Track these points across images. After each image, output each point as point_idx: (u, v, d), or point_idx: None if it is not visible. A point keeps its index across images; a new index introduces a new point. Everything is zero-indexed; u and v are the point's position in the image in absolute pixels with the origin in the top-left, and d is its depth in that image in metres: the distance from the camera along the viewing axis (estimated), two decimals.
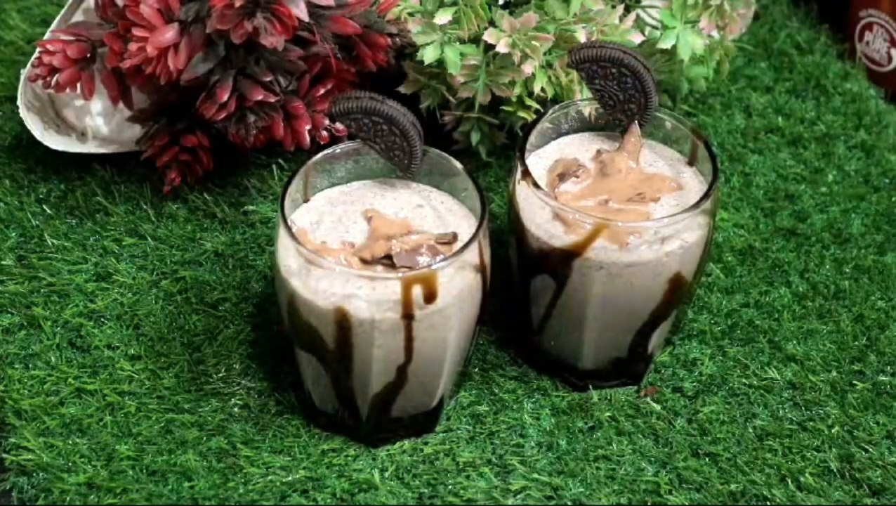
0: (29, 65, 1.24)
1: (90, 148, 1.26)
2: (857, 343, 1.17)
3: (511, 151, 1.27)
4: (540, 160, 1.12)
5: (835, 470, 1.09)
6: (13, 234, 1.22)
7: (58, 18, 1.27)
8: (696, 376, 1.15)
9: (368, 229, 1.06)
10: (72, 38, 1.19)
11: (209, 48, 1.14)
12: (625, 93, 1.09)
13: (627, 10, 1.24)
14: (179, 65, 1.13)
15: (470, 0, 1.17)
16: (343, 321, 1.02)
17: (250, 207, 1.25)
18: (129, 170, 1.27)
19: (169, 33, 1.13)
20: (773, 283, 1.22)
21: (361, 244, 1.05)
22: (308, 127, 1.19)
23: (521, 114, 1.21)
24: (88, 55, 1.19)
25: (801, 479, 1.08)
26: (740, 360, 1.16)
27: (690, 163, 1.12)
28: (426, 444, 1.10)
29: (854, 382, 1.15)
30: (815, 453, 1.10)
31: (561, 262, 1.07)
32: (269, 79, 1.15)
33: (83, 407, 1.11)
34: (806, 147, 1.33)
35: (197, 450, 1.08)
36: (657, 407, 1.13)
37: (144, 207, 1.25)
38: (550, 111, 1.12)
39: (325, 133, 1.19)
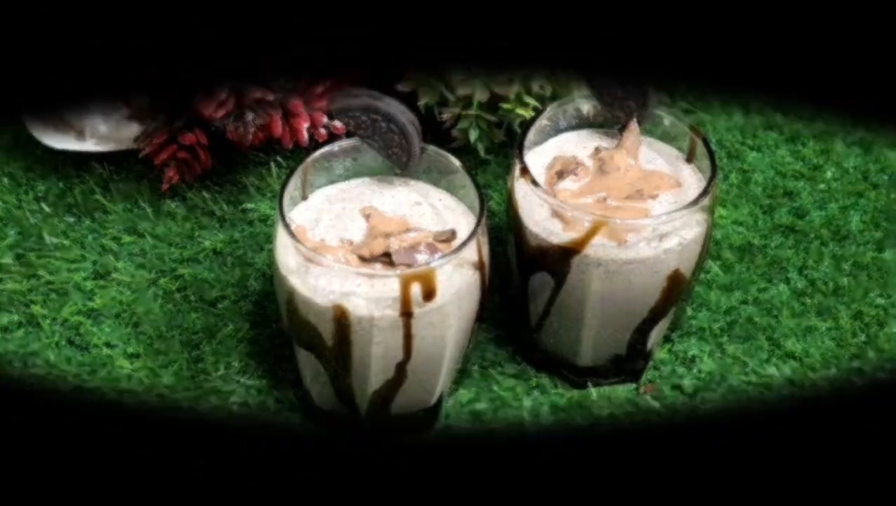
0: None
1: (88, 146, 1.26)
2: (855, 340, 1.17)
3: (509, 148, 1.27)
4: (538, 157, 1.12)
5: None
6: (11, 232, 1.22)
7: None
8: (695, 374, 1.15)
9: (367, 227, 1.06)
10: None
11: None
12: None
13: None
14: None
15: None
16: (342, 319, 1.01)
17: (249, 205, 1.25)
18: (128, 168, 1.27)
19: None
20: (772, 280, 1.21)
21: (360, 242, 1.05)
22: (306, 125, 1.18)
23: (520, 111, 1.21)
24: None
25: None
26: (739, 357, 1.16)
27: (689, 160, 1.12)
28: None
29: (853, 379, 1.15)
30: None
31: (559, 259, 1.07)
32: None
33: None
34: (805, 144, 1.33)
35: None
36: (656, 404, 1.13)
37: (143, 205, 1.24)
38: (549, 108, 1.12)
39: (323, 131, 1.19)
